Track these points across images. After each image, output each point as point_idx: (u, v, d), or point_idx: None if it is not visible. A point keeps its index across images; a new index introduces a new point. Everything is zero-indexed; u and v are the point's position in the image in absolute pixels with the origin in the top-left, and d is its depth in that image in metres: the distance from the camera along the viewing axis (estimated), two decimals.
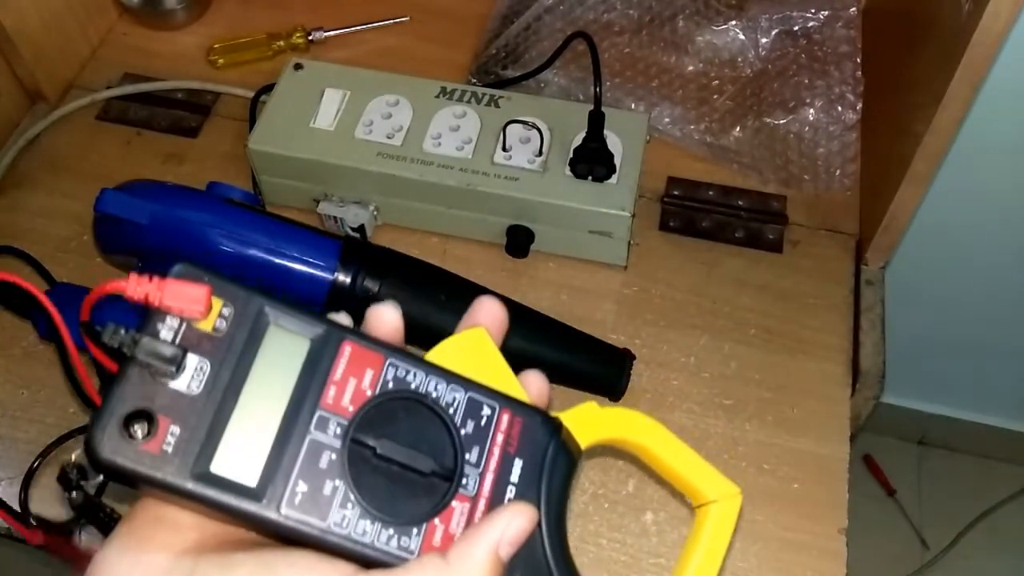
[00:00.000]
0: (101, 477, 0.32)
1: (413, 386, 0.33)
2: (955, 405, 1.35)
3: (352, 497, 0.31)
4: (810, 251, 0.71)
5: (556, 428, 0.36)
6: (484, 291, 0.63)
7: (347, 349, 0.33)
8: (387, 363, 0.33)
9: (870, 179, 0.72)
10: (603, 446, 0.38)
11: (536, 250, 0.69)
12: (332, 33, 0.82)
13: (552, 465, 0.35)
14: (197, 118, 0.79)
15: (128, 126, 0.79)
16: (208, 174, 0.69)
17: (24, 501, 0.58)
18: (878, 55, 0.75)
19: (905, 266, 1.05)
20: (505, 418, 0.34)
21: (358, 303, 0.59)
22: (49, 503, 0.59)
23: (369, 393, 0.33)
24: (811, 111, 0.75)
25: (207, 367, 0.31)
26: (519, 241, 0.68)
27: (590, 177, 0.65)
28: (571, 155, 0.66)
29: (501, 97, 0.70)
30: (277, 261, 0.60)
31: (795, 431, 0.62)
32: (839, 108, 0.75)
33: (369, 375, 0.33)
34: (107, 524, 0.35)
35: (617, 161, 0.66)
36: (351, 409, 0.32)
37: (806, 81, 0.76)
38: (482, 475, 0.33)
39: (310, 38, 0.82)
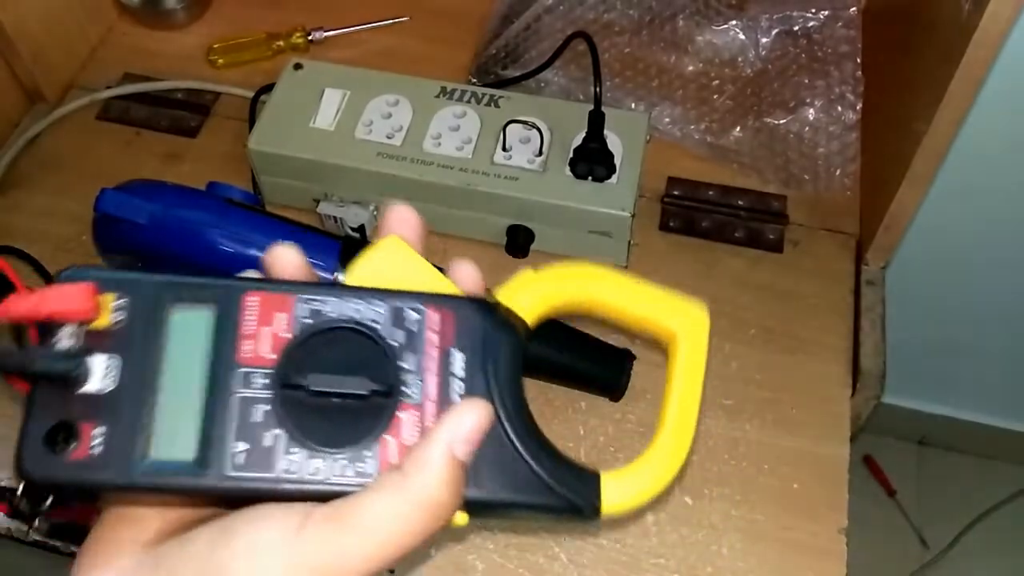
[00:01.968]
0: (50, 500, 0.32)
1: (331, 315, 0.32)
2: (955, 405, 1.35)
3: (295, 440, 0.31)
4: (810, 251, 0.71)
5: (490, 309, 0.34)
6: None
7: (252, 300, 0.32)
8: (297, 301, 0.32)
9: (870, 179, 0.72)
10: (555, 314, 0.36)
11: (536, 250, 0.69)
12: (332, 33, 0.82)
13: (494, 347, 0.34)
14: (197, 118, 0.79)
15: (128, 126, 0.79)
16: (208, 174, 0.69)
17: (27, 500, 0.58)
18: (878, 55, 0.75)
19: (905, 266, 1.05)
20: (434, 316, 0.33)
21: None
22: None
23: (287, 336, 0.32)
24: (811, 111, 0.75)
25: (116, 362, 0.30)
26: (519, 241, 0.68)
27: (590, 177, 0.65)
28: (571, 155, 0.66)
29: (501, 97, 0.70)
30: None
31: (795, 431, 0.62)
32: (839, 108, 0.75)
33: (282, 318, 0.32)
34: (82, 537, 0.35)
35: (617, 161, 0.65)
36: (272, 356, 0.31)
37: (806, 81, 0.76)
38: (423, 379, 0.32)
39: (310, 38, 0.82)
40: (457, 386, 0.33)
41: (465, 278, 0.36)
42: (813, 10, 0.78)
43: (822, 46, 0.77)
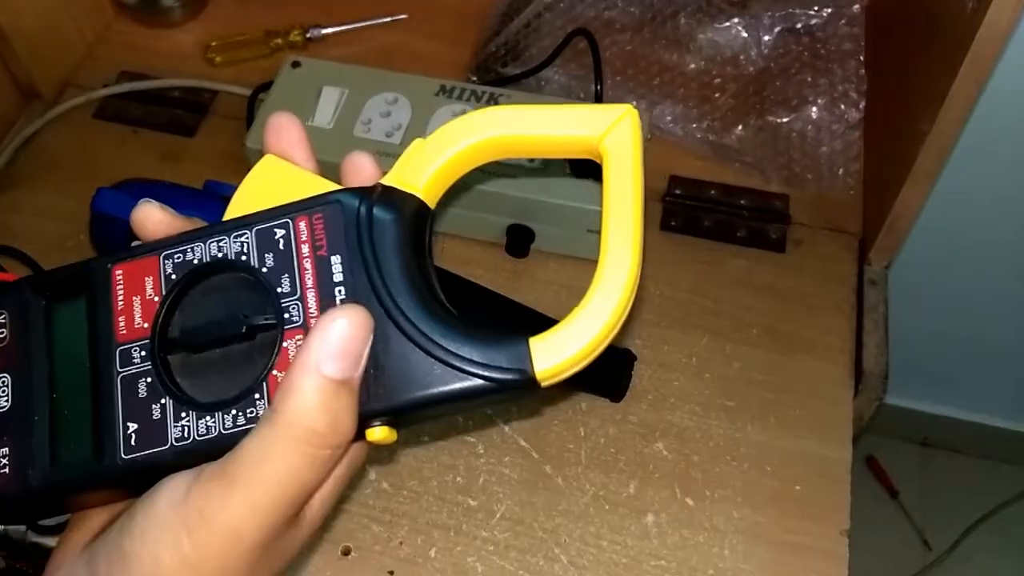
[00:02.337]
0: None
1: (196, 260, 0.30)
2: (959, 406, 1.35)
3: (181, 404, 0.29)
4: (813, 251, 0.70)
5: (363, 194, 0.31)
6: (484, 290, 0.63)
7: (118, 273, 0.31)
8: (161, 259, 0.31)
9: (873, 178, 0.72)
10: (460, 174, 0.32)
11: (536, 249, 0.68)
12: (330, 31, 0.82)
13: (371, 235, 0.30)
14: (194, 116, 0.78)
15: (125, 124, 0.78)
16: (205, 173, 0.68)
17: None
18: (881, 53, 0.74)
19: (908, 266, 1.05)
20: (302, 225, 0.30)
21: None
22: None
23: (157, 299, 0.30)
24: (814, 109, 0.74)
25: (8, 380, 0.30)
26: (519, 240, 0.67)
27: (591, 176, 0.65)
28: None
29: (501, 95, 0.69)
30: None
31: (797, 432, 0.62)
32: (842, 106, 0.74)
33: (150, 282, 0.30)
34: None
35: None
36: (146, 326, 0.30)
37: (809, 79, 0.75)
38: (303, 298, 0.29)
39: (308, 36, 0.82)
40: (340, 293, 0.30)
41: (357, 171, 0.33)
42: (816, 8, 0.77)
43: (825, 44, 0.77)
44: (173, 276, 0.30)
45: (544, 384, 0.29)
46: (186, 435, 0.29)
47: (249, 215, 0.31)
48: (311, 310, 0.29)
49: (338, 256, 0.30)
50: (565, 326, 0.29)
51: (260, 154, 0.70)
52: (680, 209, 0.72)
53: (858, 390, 0.64)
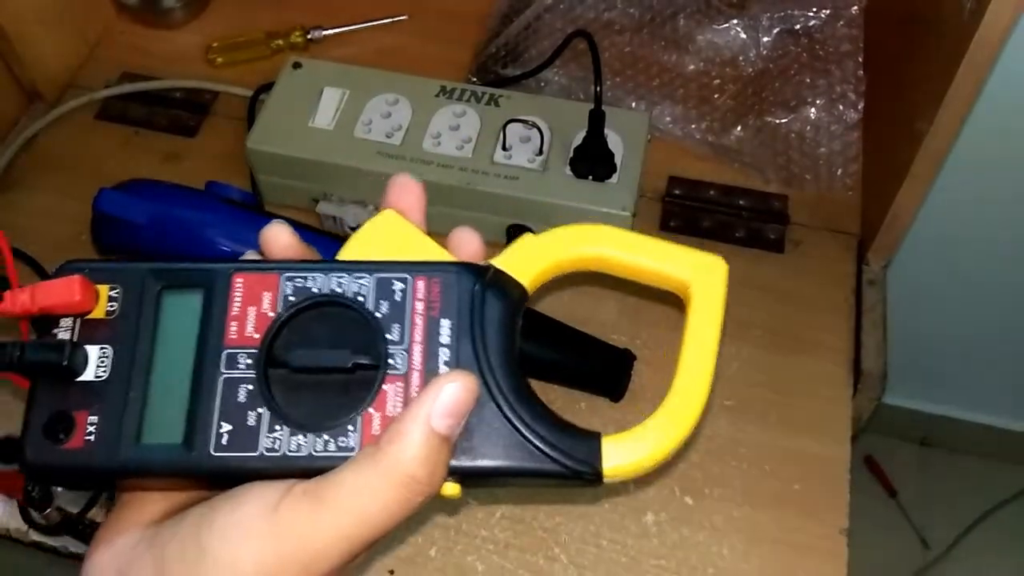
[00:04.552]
0: (59, 489, 0.33)
1: (315, 291, 0.32)
2: (957, 406, 1.35)
3: (278, 418, 0.31)
4: (812, 251, 0.70)
5: (479, 273, 0.33)
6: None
7: (239, 281, 0.32)
8: (282, 279, 0.32)
9: (872, 178, 0.72)
10: (560, 274, 0.35)
11: None
12: (331, 32, 0.82)
13: (482, 312, 0.32)
14: (195, 117, 0.79)
15: (126, 125, 0.79)
16: (206, 173, 0.69)
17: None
18: (880, 54, 0.75)
19: (907, 266, 1.05)
20: (421, 284, 0.33)
21: None
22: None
23: (271, 314, 0.32)
24: (813, 110, 0.75)
25: (109, 352, 0.31)
26: None
27: (591, 176, 0.65)
28: (571, 154, 0.65)
29: (501, 96, 0.69)
30: None
31: (797, 432, 0.62)
32: (841, 107, 0.74)
33: (267, 297, 0.32)
34: (88, 533, 0.35)
35: (618, 160, 0.65)
36: (257, 336, 0.32)
37: (808, 80, 0.76)
38: (409, 349, 0.32)
39: (309, 37, 0.82)
40: (444, 355, 0.32)
41: (464, 245, 0.35)
42: (815, 9, 0.77)
43: (824, 45, 0.77)
44: (291, 298, 0.32)
45: (607, 481, 0.32)
46: (276, 447, 0.30)
47: (370, 261, 0.33)
48: (415, 362, 0.32)
49: (448, 321, 0.32)
50: (638, 434, 0.32)
51: (260, 154, 0.70)
52: (679, 209, 0.72)
53: (857, 390, 0.64)
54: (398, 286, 0.33)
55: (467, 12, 0.83)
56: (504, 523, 0.59)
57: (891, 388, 0.67)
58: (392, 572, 0.57)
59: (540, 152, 0.66)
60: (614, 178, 0.65)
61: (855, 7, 0.77)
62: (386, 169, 0.66)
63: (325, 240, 0.62)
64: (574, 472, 0.31)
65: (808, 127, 0.74)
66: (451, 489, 0.32)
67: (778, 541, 0.58)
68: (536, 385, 0.63)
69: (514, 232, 0.67)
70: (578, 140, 0.66)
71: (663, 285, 0.35)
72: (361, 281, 0.33)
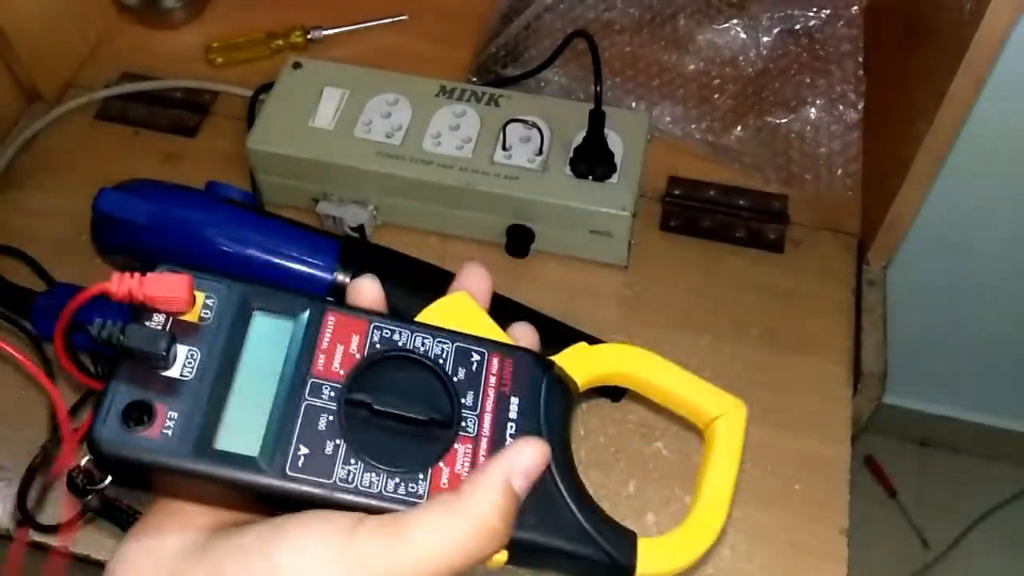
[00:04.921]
0: (108, 479, 0.33)
1: (400, 343, 0.34)
2: (957, 405, 1.35)
3: (354, 452, 0.32)
4: (812, 251, 0.70)
5: (548, 365, 0.36)
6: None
7: (331, 319, 0.34)
8: (371, 326, 0.34)
9: (872, 178, 0.72)
10: (601, 383, 0.39)
11: (536, 250, 0.69)
12: (331, 32, 0.82)
13: (548, 399, 0.35)
14: (195, 117, 0.79)
15: (126, 125, 0.79)
16: (206, 173, 0.68)
17: (23, 501, 0.58)
18: (880, 54, 0.75)
19: (907, 266, 1.05)
20: (495, 361, 0.35)
21: None
22: (52, 503, 0.59)
23: (358, 356, 0.34)
24: (813, 110, 0.75)
25: (197, 355, 0.32)
26: (519, 241, 0.68)
27: (590, 176, 0.65)
28: (571, 154, 0.65)
29: (501, 96, 0.69)
30: (276, 261, 0.60)
31: (796, 432, 0.62)
32: (841, 107, 0.74)
33: (355, 340, 0.34)
34: (126, 521, 0.35)
35: (618, 160, 0.65)
36: (342, 372, 0.33)
37: (808, 80, 0.76)
38: (480, 416, 0.34)
39: (309, 37, 0.82)
40: (511, 428, 0.34)
41: (521, 338, 0.38)
42: (815, 9, 0.77)
43: (824, 45, 0.77)
44: (377, 345, 0.34)
45: None
46: (349, 480, 0.32)
47: (452, 331, 0.36)
48: (484, 428, 0.34)
49: (517, 400, 0.35)
50: (669, 543, 0.35)
51: (260, 154, 0.70)
52: (679, 209, 0.72)
53: (857, 390, 0.64)
54: (475, 358, 0.35)
55: (467, 12, 0.83)
56: None
57: (891, 388, 0.67)
58: None
59: (540, 152, 0.66)
60: (614, 178, 0.65)
61: (855, 7, 0.77)
62: (386, 169, 0.66)
63: (325, 240, 0.62)
64: (615, 564, 0.33)
65: (808, 127, 0.74)
66: (500, 556, 0.33)
67: (778, 541, 0.58)
68: None
69: (514, 232, 0.67)
70: (578, 140, 0.66)
71: (689, 415, 0.39)
72: (443, 345, 0.35)
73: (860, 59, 0.75)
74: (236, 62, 0.82)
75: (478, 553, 0.31)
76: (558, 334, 0.62)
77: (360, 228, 0.68)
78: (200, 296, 0.33)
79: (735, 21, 0.78)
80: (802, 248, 0.71)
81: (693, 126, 0.76)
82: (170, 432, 0.31)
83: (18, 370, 0.66)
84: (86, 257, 0.69)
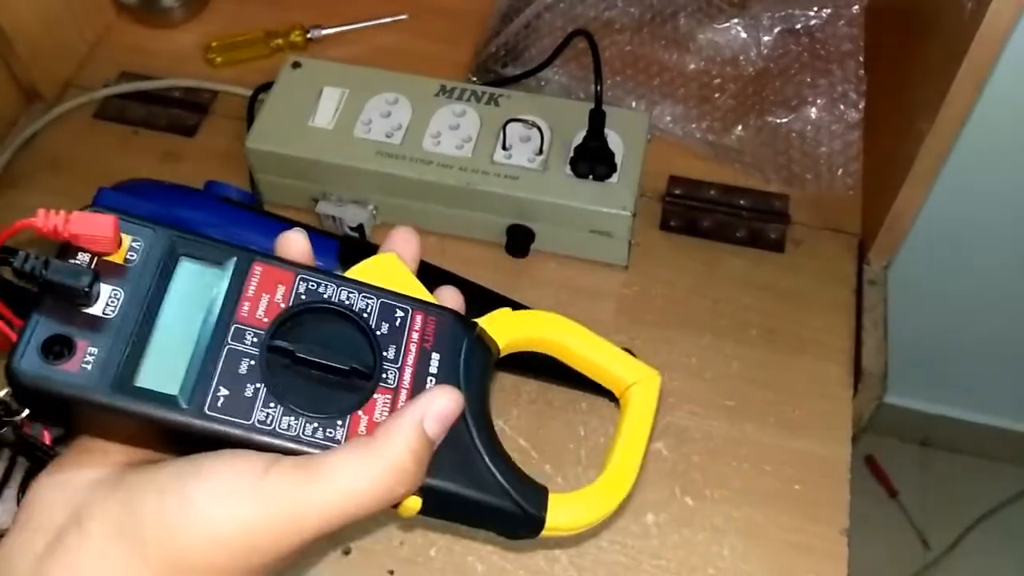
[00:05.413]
0: (26, 412, 0.33)
1: (326, 296, 0.35)
2: (958, 406, 1.35)
3: (274, 396, 0.33)
4: (812, 251, 0.70)
5: (471, 326, 0.37)
6: (484, 290, 0.63)
7: (258, 269, 0.35)
8: (298, 278, 0.35)
9: (873, 178, 0.72)
10: (523, 347, 0.40)
11: (536, 249, 0.69)
12: (330, 31, 0.82)
13: (468, 357, 0.36)
14: (195, 117, 0.78)
15: (125, 125, 0.78)
16: (206, 173, 0.68)
17: None
18: (881, 53, 0.74)
19: (908, 266, 1.05)
20: (419, 318, 0.36)
21: None
22: None
23: (283, 305, 0.34)
24: (813, 110, 0.74)
25: (121, 295, 0.32)
26: (519, 241, 0.67)
27: (591, 176, 0.65)
28: (571, 154, 0.65)
29: (501, 95, 0.69)
30: None
31: (797, 432, 0.62)
32: (842, 107, 0.74)
33: (281, 290, 0.35)
34: (43, 459, 0.36)
35: (618, 160, 0.65)
36: (266, 320, 0.34)
37: (808, 79, 0.75)
38: (400, 369, 0.35)
39: (308, 36, 0.82)
40: (431, 382, 0.35)
41: (447, 300, 0.39)
42: (815, 8, 0.77)
43: (824, 44, 0.77)
44: (303, 296, 0.35)
45: (544, 534, 0.36)
46: (268, 423, 0.32)
47: (378, 287, 0.36)
48: (404, 381, 0.35)
49: (438, 355, 0.36)
50: (579, 499, 0.36)
51: (259, 154, 0.70)
52: (680, 209, 0.72)
53: (857, 390, 0.64)
54: (399, 314, 0.36)
55: (467, 11, 0.83)
56: None
57: (892, 388, 0.67)
58: (392, 573, 0.57)
59: (540, 152, 0.66)
60: (614, 178, 0.65)
61: (856, 6, 0.77)
62: (386, 169, 0.66)
63: (324, 239, 0.62)
64: (525, 515, 0.35)
65: (809, 126, 0.74)
66: (413, 502, 0.34)
67: (778, 541, 0.58)
68: (537, 386, 0.63)
69: (514, 232, 0.67)
70: (578, 140, 0.65)
71: (606, 382, 0.40)
72: (368, 300, 0.36)
73: (861, 59, 0.75)
74: (235, 61, 0.82)
75: (389, 494, 0.32)
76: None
77: (360, 228, 0.68)
78: (127, 239, 0.33)
79: (736, 20, 0.78)
80: (803, 248, 0.70)
81: (693, 125, 0.75)
82: (89, 367, 0.31)
83: None
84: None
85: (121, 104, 0.79)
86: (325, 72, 0.71)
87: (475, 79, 0.78)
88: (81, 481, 0.32)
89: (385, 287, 0.37)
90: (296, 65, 0.71)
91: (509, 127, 0.66)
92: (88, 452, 0.33)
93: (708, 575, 0.57)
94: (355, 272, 0.37)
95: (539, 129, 0.66)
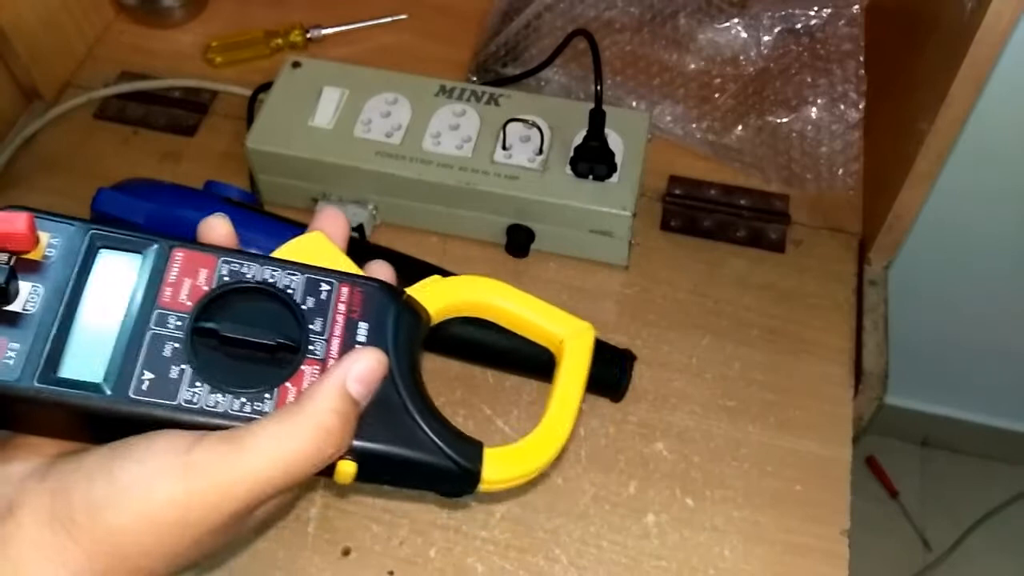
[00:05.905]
0: None
1: (249, 276, 0.36)
2: (958, 406, 1.35)
3: (200, 376, 0.33)
4: (813, 251, 0.70)
5: (398, 294, 0.38)
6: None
7: (178, 255, 0.35)
8: (220, 261, 0.36)
9: (873, 178, 0.72)
10: (456, 313, 0.40)
11: (536, 250, 0.69)
12: (330, 31, 0.82)
13: (397, 324, 0.37)
14: (194, 116, 0.78)
15: (125, 124, 0.78)
16: (205, 173, 0.68)
17: None
18: (881, 53, 0.74)
19: (908, 266, 1.05)
20: (345, 290, 0.37)
21: None
22: None
23: (206, 288, 0.35)
24: (814, 109, 0.74)
25: (41, 290, 0.33)
26: (519, 241, 0.67)
27: (591, 176, 0.65)
28: (572, 154, 0.65)
29: (501, 95, 0.69)
30: None
31: (797, 432, 0.62)
32: (842, 107, 0.74)
33: (203, 273, 0.35)
34: None
35: (618, 160, 0.65)
36: (189, 304, 0.34)
37: (809, 79, 0.75)
38: (328, 340, 0.35)
39: (308, 36, 0.82)
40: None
41: (377, 272, 0.39)
42: (816, 8, 0.77)
43: (825, 44, 0.77)
44: (226, 278, 0.35)
45: (481, 488, 0.36)
46: (194, 401, 0.33)
47: (302, 264, 0.37)
48: (332, 351, 0.35)
49: (366, 324, 0.36)
50: (514, 453, 0.37)
51: (259, 154, 0.70)
52: (680, 209, 0.72)
53: (858, 390, 0.64)
54: (324, 287, 0.36)
55: (467, 11, 0.83)
56: (504, 524, 0.59)
57: (892, 388, 0.67)
58: (392, 573, 0.57)
59: (540, 152, 0.66)
60: (614, 178, 0.65)
61: (856, 6, 0.77)
62: (386, 169, 0.66)
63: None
64: (460, 470, 0.35)
65: (809, 126, 0.74)
66: (348, 466, 0.34)
67: (779, 542, 0.58)
68: (536, 386, 0.63)
69: (514, 232, 0.67)
70: (578, 139, 0.65)
71: (540, 338, 0.41)
72: (292, 277, 0.36)
73: (861, 58, 0.75)
74: (235, 61, 0.82)
75: (317, 455, 0.32)
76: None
77: (360, 228, 0.68)
78: (45, 236, 0.34)
79: (736, 20, 0.78)
80: (803, 248, 0.70)
81: (694, 125, 0.75)
82: (11, 362, 0.31)
83: None
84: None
85: (121, 104, 0.79)
86: (325, 72, 0.71)
87: (475, 79, 0.78)
88: (13, 474, 0.32)
89: (312, 264, 0.37)
90: (296, 65, 0.71)
91: (509, 127, 0.66)
92: (19, 447, 0.34)
93: (708, 575, 0.57)
94: (282, 252, 0.38)
95: (539, 129, 0.66)
